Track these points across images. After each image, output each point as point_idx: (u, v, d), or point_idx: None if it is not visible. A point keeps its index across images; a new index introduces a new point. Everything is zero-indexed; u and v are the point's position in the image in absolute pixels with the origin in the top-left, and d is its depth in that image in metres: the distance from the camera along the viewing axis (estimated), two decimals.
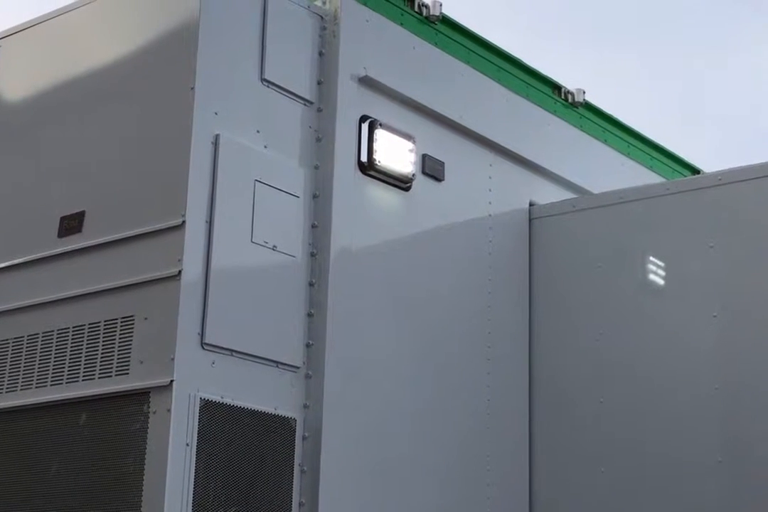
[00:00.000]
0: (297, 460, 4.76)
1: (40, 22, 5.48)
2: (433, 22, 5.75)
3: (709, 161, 7.90)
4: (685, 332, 5.54)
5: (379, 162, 5.26)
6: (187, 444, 4.39)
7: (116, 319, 4.65)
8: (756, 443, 5.22)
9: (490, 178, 5.95)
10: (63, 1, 5.42)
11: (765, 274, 5.39)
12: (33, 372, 4.87)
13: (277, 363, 4.78)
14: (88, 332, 4.73)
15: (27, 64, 5.51)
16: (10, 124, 5.45)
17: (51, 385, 4.78)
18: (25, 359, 4.92)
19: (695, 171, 7.48)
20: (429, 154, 5.57)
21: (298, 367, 4.86)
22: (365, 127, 5.26)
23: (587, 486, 5.61)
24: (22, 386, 4.89)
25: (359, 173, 5.23)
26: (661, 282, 5.73)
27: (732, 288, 5.46)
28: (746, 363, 5.34)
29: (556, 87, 6.53)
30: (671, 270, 5.72)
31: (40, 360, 4.86)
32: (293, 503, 4.71)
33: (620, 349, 5.67)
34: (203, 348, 4.54)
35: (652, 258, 5.76)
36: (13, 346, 4.99)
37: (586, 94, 6.63)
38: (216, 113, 4.77)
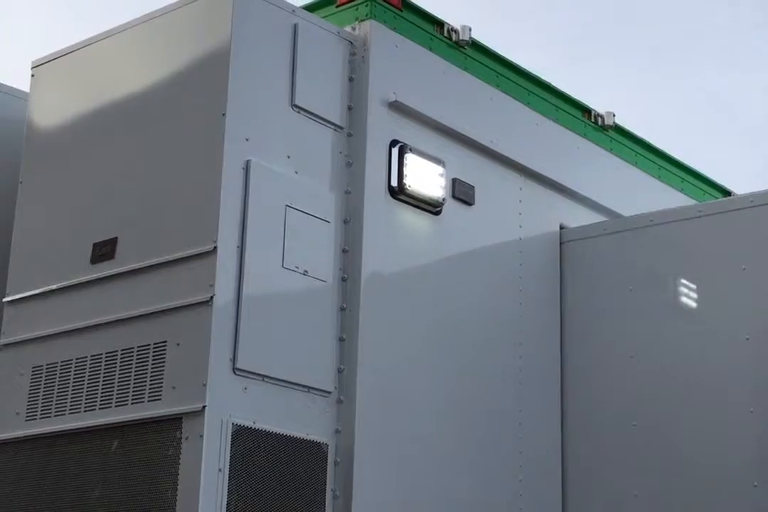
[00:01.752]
0: (329, 485, 4.75)
1: (73, 50, 5.53)
2: (463, 47, 5.77)
3: (740, 177, 7.86)
4: (718, 355, 5.50)
5: (409, 186, 5.27)
6: (220, 470, 4.40)
7: (149, 345, 4.67)
8: None
9: (520, 201, 5.95)
10: (96, 30, 5.47)
11: None
12: (66, 398, 4.89)
13: (308, 388, 4.78)
14: (121, 358, 4.75)
15: (60, 91, 5.56)
16: (44, 151, 5.49)
17: (84, 411, 4.80)
18: (59, 385, 4.94)
19: (726, 193, 7.44)
20: (459, 178, 5.58)
21: (329, 392, 4.86)
22: (395, 151, 5.28)
23: (620, 508, 5.57)
24: (55, 412, 4.91)
25: (390, 198, 5.24)
26: (693, 304, 5.71)
27: (765, 311, 5.43)
28: None
29: (585, 110, 6.53)
30: (703, 293, 5.69)
31: (73, 386, 4.88)
32: None
33: (652, 372, 5.64)
34: (235, 373, 4.55)
35: (683, 281, 5.74)
36: (46, 372, 5.01)
37: (616, 117, 6.63)
38: (247, 139, 4.80)
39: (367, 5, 5.34)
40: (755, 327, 5.42)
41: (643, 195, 6.65)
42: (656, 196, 6.72)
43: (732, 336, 5.47)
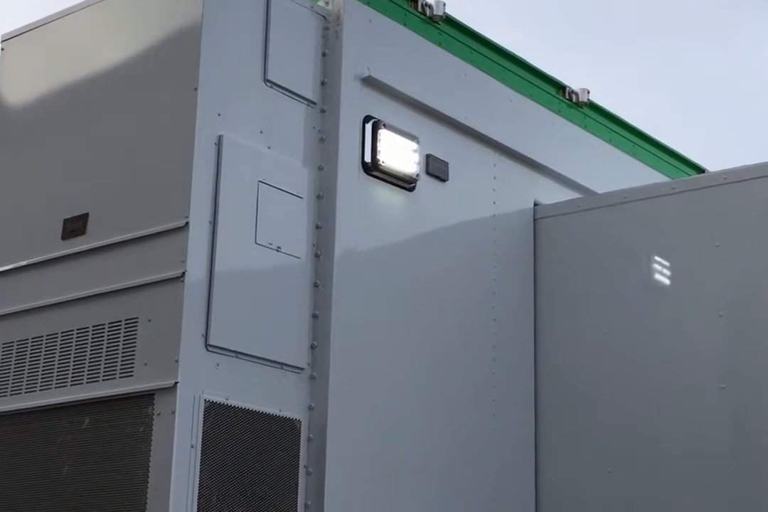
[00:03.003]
0: (302, 462, 4.75)
1: (43, 24, 5.48)
2: (437, 22, 5.74)
3: (712, 156, 7.88)
4: (691, 331, 5.52)
5: (383, 162, 5.25)
6: (192, 446, 4.38)
7: (120, 321, 4.64)
8: (763, 442, 5.19)
9: (494, 178, 5.94)
10: (66, 3, 5.41)
11: None
12: (37, 375, 4.86)
13: (281, 364, 4.77)
14: (92, 334, 4.72)
15: (30, 66, 5.50)
16: (13, 127, 5.45)
17: (55, 388, 4.77)
18: (30, 361, 4.91)
19: (700, 170, 7.46)
20: (433, 154, 5.56)
21: (302, 369, 4.85)
22: (369, 127, 5.25)
23: (593, 485, 5.59)
24: (26, 389, 4.88)
25: (363, 174, 5.22)
26: (667, 281, 5.72)
27: (738, 288, 5.45)
28: (752, 363, 5.32)
29: (560, 87, 6.52)
30: (676, 270, 5.70)
31: (44, 362, 4.85)
32: (299, 505, 4.69)
33: (625, 349, 5.66)
34: (207, 349, 4.52)
35: (657, 258, 5.74)
36: (17, 349, 4.98)
37: (590, 94, 6.62)
38: (219, 114, 4.76)
39: None
40: (728, 304, 5.44)
41: (617, 172, 6.66)
42: (630, 173, 6.73)
43: (705, 313, 5.48)
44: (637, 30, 15.13)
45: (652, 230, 5.79)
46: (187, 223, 4.56)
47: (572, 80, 6.53)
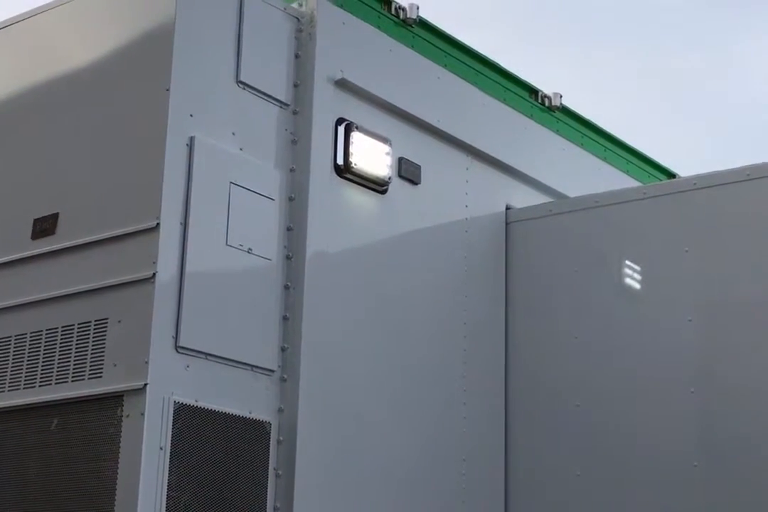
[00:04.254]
0: (272, 464, 4.74)
1: (13, 23, 5.45)
2: (410, 25, 5.75)
3: (683, 161, 7.94)
4: (661, 336, 5.54)
5: (355, 165, 5.24)
6: (161, 448, 4.36)
7: (90, 322, 4.62)
8: (731, 446, 5.22)
9: (466, 181, 5.95)
10: (37, 2, 5.38)
11: (739, 279, 5.40)
12: (6, 376, 4.83)
13: (252, 366, 4.76)
14: (62, 335, 4.70)
15: (1, 64, 5.47)
16: None
17: (24, 388, 4.74)
18: None
19: (671, 175, 7.50)
20: (405, 157, 5.56)
21: (273, 371, 4.84)
22: (341, 129, 5.25)
23: (562, 488, 5.60)
24: None
25: (335, 176, 5.22)
26: (637, 286, 5.74)
27: (707, 293, 5.47)
28: (721, 367, 5.34)
29: (533, 91, 6.54)
30: (647, 275, 5.72)
31: (12, 363, 4.82)
32: (268, 507, 4.69)
33: (595, 353, 5.67)
34: (177, 351, 4.51)
35: (627, 263, 5.76)
36: None
37: (563, 98, 6.64)
38: (191, 115, 4.75)
39: None
40: (697, 309, 5.46)
41: (588, 176, 6.68)
42: (602, 178, 6.75)
43: (674, 318, 5.50)
44: (614, 31, 15.20)
45: (622, 235, 5.81)
46: (158, 224, 4.55)
47: (547, 82, 6.57)
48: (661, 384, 5.45)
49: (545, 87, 6.59)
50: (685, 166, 7.32)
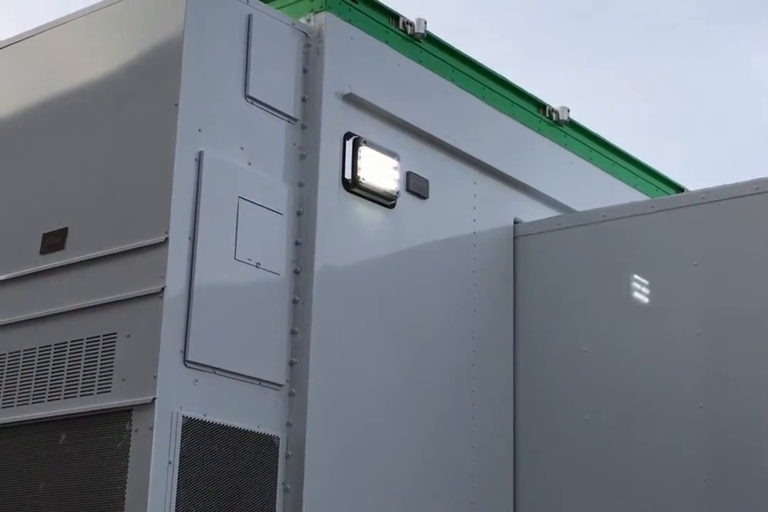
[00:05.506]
0: (280, 479, 4.73)
1: (24, 39, 5.47)
2: (418, 40, 5.76)
3: (692, 175, 7.94)
4: (669, 350, 5.53)
5: (363, 179, 5.25)
6: (170, 463, 4.36)
7: (98, 336, 4.63)
8: (740, 460, 5.20)
9: (474, 195, 5.95)
10: (48, 17, 5.41)
11: (748, 293, 5.39)
12: (15, 390, 4.84)
13: (260, 381, 4.76)
14: (70, 349, 4.70)
15: (9, 80, 5.49)
16: None
17: (32, 403, 4.75)
18: (7, 376, 4.89)
19: (679, 189, 7.49)
20: (413, 171, 5.57)
21: (281, 385, 4.84)
22: (349, 144, 5.26)
23: (574, 497, 5.58)
24: (3, 404, 4.85)
25: (343, 190, 5.22)
26: (645, 300, 5.73)
27: (715, 307, 5.46)
28: (729, 381, 5.33)
29: (540, 105, 6.54)
30: (655, 289, 5.72)
31: (21, 377, 4.83)
32: None
33: (604, 367, 5.67)
34: (186, 365, 4.51)
35: (636, 277, 5.76)
36: None
37: (570, 113, 6.64)
38: (200, 130, 4.76)
39: None
40: (706, 323, 5.45)
41: (596, 190, 6.67)
42: (610, 192, 6.75)
43: (683, 332, 5.50)
44: (619, 43, 15.22)
45: (630, 249, 5.81)
46: (166, 239, 4.55)
47: (552, 93, 6.57)
48: (670, 399, 5.44)
49: (552, 100, 6.60)
50: (693, 181, 7.31)
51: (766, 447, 5.16)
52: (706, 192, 5.65)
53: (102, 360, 4.58)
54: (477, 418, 5.65)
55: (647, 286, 5.73)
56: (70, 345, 4.71)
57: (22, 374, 4.83)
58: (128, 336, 4.54)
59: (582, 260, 5.91)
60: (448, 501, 5.43)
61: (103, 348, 4.60)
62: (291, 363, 4.89)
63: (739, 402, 5.28)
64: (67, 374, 4.67)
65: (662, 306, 5.64)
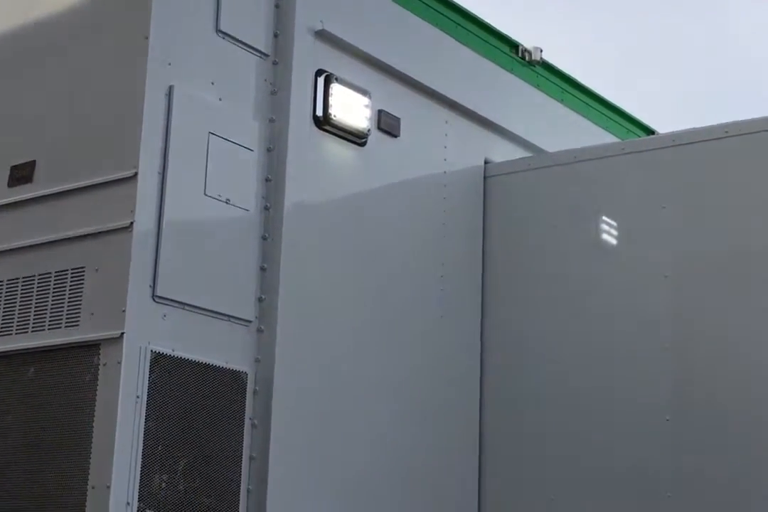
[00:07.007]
0: (248, 414, 4.75)
1: None
2: None
3: (662, 118, 7.93)
4: (637, 292, 5.56)
5: (334, 116, 5.23)
6: (138, 397, 4.37)
7: (67, 270, 4.61)
8: (703, 401, 5.26)
9: (445, 135, 5.94)
10: None
11: (715, 236, 5.42)
12: None
13: (229, 317, 4.77)
14: (38, 283, 4.69)
15: None
16: None
17: (0, 336, 4.73)
18: None
19: (650, 132, 7.50)
20: (385, 109, 5.55)
21: (250, 321, 4.85)
22: (321, 80, 5.23)
23: (537, 439, 5.63)
24: None
25: (314, 128, 5.20)
26: (614, 241, 5.76)
27: (683, 250, 5.49)
28: (696, 323, 5.38)
29: (513, 45, 6.51)
30: (624, 231, 5.74)
31: None
32: (244, 457, 4.71)
33: (572, 308, 5.70)
34: (155, 300, 4.51)
35: (605, 218, 5.78)
36: None
37: (543, 53, 6.62)
38: (170, 64, 4.72)
39: None
40: (674, 266, 5.48)
41: (568, 131, 6.67)
42: (581, 133, 6.75)
43: (651, 274, 5.53)
44: None
45: (600, 190, 5.83)
46: (136, 174, 4.53)
47: (526, 36, 6.54)
48: (636, 339, 5.49)
49: (527, 41, 6.57)
50: (667, 124, 7.31)
51: (731, 389, 5.21)
52: (676, 135, 5.66)
53: (70, 294, 4.58)
54: (445, 355, 5.68)
55: (616, 228, 5.75)
56: (38, 279, 4.69)
57: None
58: (97, 270, 4.53)
59: (552, 201, 5.91)
60: (417, 433, 5.46)
61: (71, 282, 4.59)
62: (260, 300, 4.90)
63: (705, 344, 5.33)
64: (35, 307, 4.66)
65: (630, 248, 5.68)
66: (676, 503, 5.21)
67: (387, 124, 5.55)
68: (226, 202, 4.82)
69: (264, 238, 4.95)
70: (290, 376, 4.87)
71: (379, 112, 5.51)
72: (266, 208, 4.98)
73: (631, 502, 5.35)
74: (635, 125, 7.43)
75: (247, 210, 4.90)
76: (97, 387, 4.38)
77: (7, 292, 4.78)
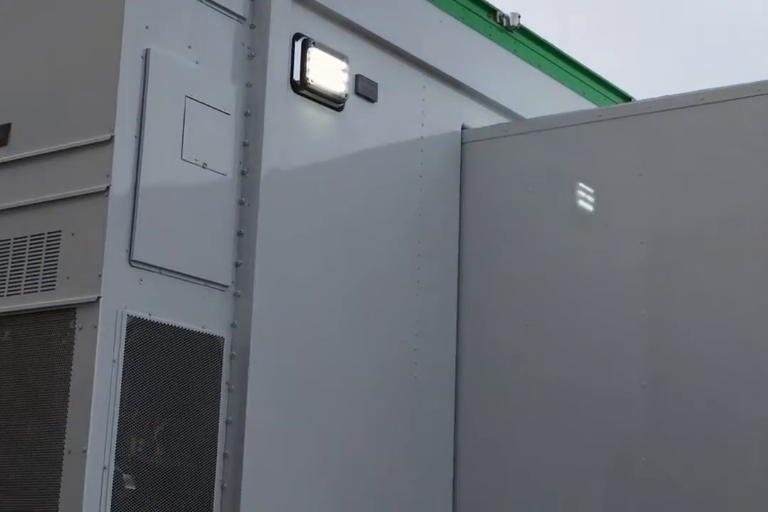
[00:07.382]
0: (224, 379, 4.76)
1: None
2: None
3: (640, 84, 7.92)
4: (612, 258, 5.59)
5: (311, 81, 5.21)
6: (114, 361, 4.37)
7: (43, 234, 4.60)
8: (679, 367, 5.31)
9: (423, 100, 5.93)
10: None
11: (691, 203, 5.44)
12: None
13: (205, 281, 4.76)
14: (14, 247, 4.67)
15: None
16: None
17: None
18: None
19: (627, 98, 7.50)
20: (362, 74, 5.53)
21: (226, 286, 4.85)
22: (298, 45, 5.20)
23: (513, 419, 5.67)
24: None
25: (291, 92, 5.18)
26: (590, 208, 5.78)
27: (658, 217, 5.52)
28: (671, 290, 5.41)
29: (491, 10, 6.49)
30: (600, 198, 5.76)
31: None
32: (220, 421, 4.72)
33: (548, 273, 5.72)
34: (131, 265, 4.50)
35: (581, 185, 5.79)
36: None
37: (521, 19, 6.60)
38: (147, 27, 4.69)
39: None
40: (649, 233, 5.51)
41: (545, 98, 6.66)
42: (558, 99, 6.74)
43: (626, 241, 5.55)
44: None
45: (577, 157, 5.83)
46: (112, 137, 4.50)
47: (504, 2, 6.51)
48: (611, 305, 5.52)
49: (505, 7, 6.54)
50: (644, 90, 7.31)
51: (705, 355, 5.25)
52: (653, 102, 5.67)
53: (46, 257, 4.56)
54: (420, 321, 5.69)
55: (592, 195, 5.77)
56: (14, 243, 4.67)
57: None
58: (73, 234, 4.51)
59: (528, 167, 5.92)
60: (391, 402, 5.49)
61: (47, 246, 4.57)
62: (236, 265, 4.89)
63: (680, 311, 5.36)
64: (11, 271, 4.64)
65: (606, 216, 5.69)
66: (650, 468, 5.26)
67: (364, 88, 5.53)
68: (203, 167, 4.80)
69: (241, 203, 4.94)
70: (267, 341, 4.88)
71: (357, 76, 5.49)
72: (243, 173, 4.97)
73: (607, 468, 5.39)
74: (612, 92, 7.43)
75: (224, 174, 4.89)
76: (73, 352, 4.38)
77: None
